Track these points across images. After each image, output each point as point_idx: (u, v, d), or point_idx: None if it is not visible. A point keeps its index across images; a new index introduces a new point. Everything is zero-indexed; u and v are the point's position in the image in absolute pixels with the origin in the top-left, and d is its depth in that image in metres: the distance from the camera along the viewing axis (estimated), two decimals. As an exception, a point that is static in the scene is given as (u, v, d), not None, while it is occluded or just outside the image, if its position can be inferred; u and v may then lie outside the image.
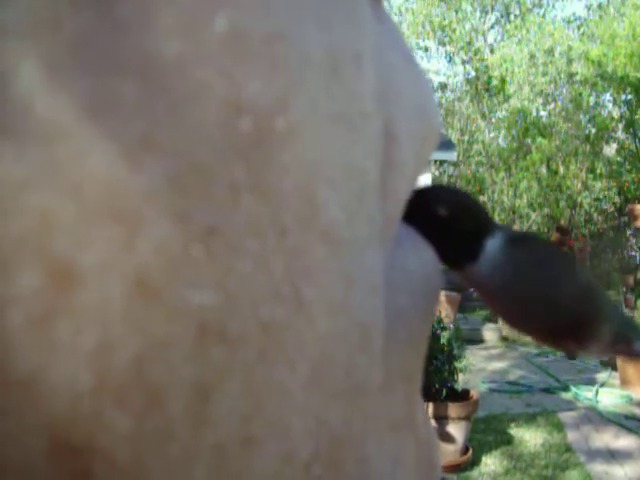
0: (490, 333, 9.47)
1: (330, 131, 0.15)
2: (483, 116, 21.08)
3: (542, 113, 19.99)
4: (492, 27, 24.62)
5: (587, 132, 18.67)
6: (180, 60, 0.12)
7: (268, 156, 0.13)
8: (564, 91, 19.43)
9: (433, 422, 4.25)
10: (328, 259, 0.15)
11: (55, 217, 0.11)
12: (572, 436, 5.24)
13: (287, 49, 0.14)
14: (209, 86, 0.12)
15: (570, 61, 19.67)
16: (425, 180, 11.88)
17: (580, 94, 18.90)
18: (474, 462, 4.55)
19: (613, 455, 4.83)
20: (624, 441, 5.14)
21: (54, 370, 0.11)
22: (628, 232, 18.67)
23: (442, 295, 10.58)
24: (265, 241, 0.13)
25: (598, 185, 18.81)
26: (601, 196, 19.09)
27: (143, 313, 0.12)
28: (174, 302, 0.12)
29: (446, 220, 0.27)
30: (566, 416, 5.73)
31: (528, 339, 9.99)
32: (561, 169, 18.10)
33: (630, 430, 5.35)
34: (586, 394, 6.36)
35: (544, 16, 23.44)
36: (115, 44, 0.12)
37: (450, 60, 24.29)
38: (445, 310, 6.46)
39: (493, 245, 0.29)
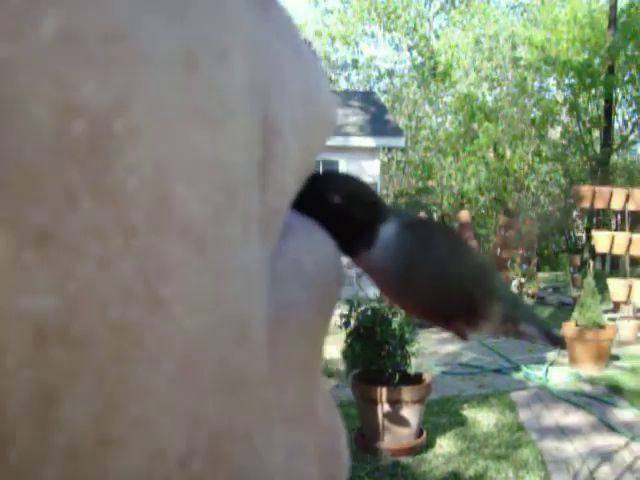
0: (442, 317, 9.54)
1: (186, 127, 0.15)
2: (430, 102, 21.24)
3: (488, 98, 20.22)
4: (437, 13, 24.78)
5: (532, 116, 18.95)
6: (5, 63, 0.12)
7: (108, 158, 0.13)
8: (509, 76, 19.67)
9: (387, 406, 4.27)
10: (189, 257, 0.15)
11: None
12: (524, 415, 5.33)
13: (126, 49, 0.13)
14: (38, 89, 0.12)
15: (514, 46, 19.93)
16: (373, 167, 11.93)
17: (525, 79, 19.17)
18: (428, 444, 4.59)
19: (563, 431, 4.93)
20: (573, 417, 5.25)
21: None
22: (574, 213, 19.06)
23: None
24: (109, 243, 0.13)
25: (544, 168, 19.15)
26: (547, 179, 19.43)
27: None
28: (7, 306, 0.12)
29: (339, 208, 0.27)
30: (518, 396, 5.83)
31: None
32: (508, 153, 18.35)
33: (579, 407, 5.46)
34: (536, 373, 6.48)
35: (488, 2, 23.66)
36: None
37: (396, 47, 24.39)
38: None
39: (387, 231, 0.29)
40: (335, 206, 0.27)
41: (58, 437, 0.13)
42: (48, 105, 0.12)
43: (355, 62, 25.02)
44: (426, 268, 0.30)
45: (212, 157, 0.15)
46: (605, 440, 4.73)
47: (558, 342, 0.40)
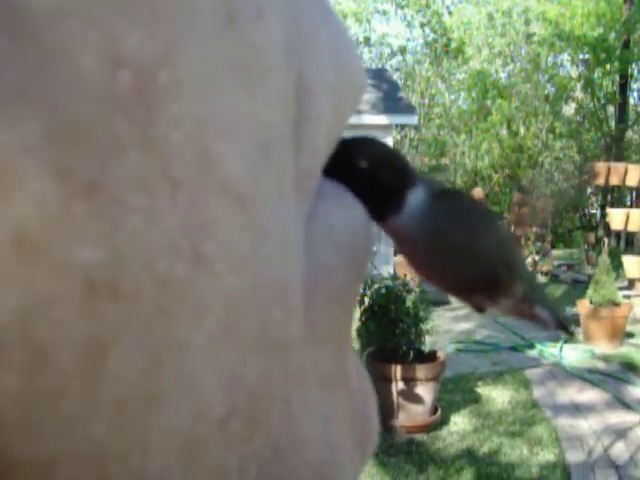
0: (456, 295, 9.51)
1: (226, 83, 0.15)
2: (443, 79, 21.09)
3: (501, 74, 20.05)
4: (450, -11, 24.51)
5: (546, 92, 18.77)
6: (52, 12, 0.12)
7: (153, 110, 0.13)
8: (522, 52, 19.48)
9: (401, 384, 4.29)
10: (230, 213, 0.15)
11: None
12: (538, 392, 5.34)
13: (170, 1, 0.13)
14: (84, 39, 0.12)
15: (528, 22, 19.70)
16: (387, 144, 11.82)
17: (538, 54, 18.97)
18: (443, 422, 4.62)
19: (577, 408, 4.94)
20: (588, 395, 5.26)
21: None
22: (588, 190, 18.95)
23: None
24: (156, 196, 0.13)
25: (558, 144, 18.99)
26: (561, 155, 19.28)
27: (25, 270, 0.12)
28: (57, 258, 0.12)
29: (367, 172, 0.27)
30: (532, 373, 5.84)
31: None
32: (521, 130, 18.23)
33: (593, 384, 5.46)
34: (551, 351, 6.48)
35: (501, -24, 23.39)
36: None
37: (409, 24, 24.17)
38: (410, 273, 6.48)
39: (415, 197, 0.29)
40: (363, 171, 0.27)
41: (107, 390, 0.13)
42: (95, 56, 0.12)
43: (367, 39, 24.87)
44: (453, 238, 0.30)
45: (250, 114, 0.15)
46: (619, 417, 4.74)
47: (568, 331, 0.40)
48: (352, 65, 0.22)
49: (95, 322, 0.13)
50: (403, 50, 23.63)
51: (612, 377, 5.67)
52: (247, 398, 0.16)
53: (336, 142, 0.22)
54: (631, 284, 9.54)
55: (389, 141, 11.66)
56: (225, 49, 0.15)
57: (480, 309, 0.34)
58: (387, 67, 21.07)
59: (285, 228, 0.17)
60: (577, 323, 7.04)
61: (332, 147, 0.21)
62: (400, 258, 11.16)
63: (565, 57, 20.21)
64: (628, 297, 8.30)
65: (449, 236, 0.30)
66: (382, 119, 11.52)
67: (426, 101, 20.50)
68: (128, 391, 0.13)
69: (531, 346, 6.70)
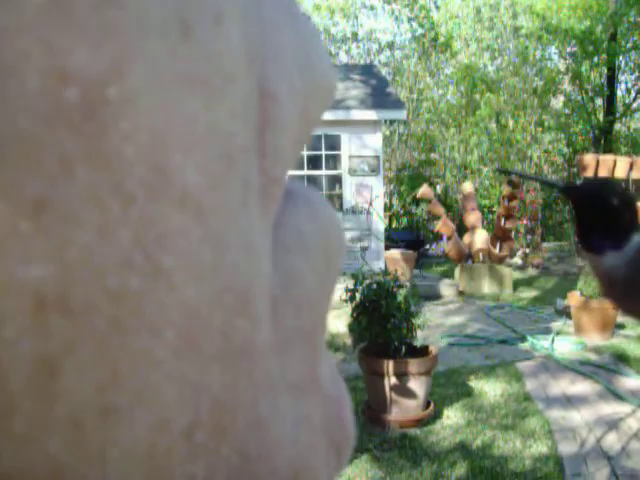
0: (447, 288, 9.57)
1: (181, 95, 0.14)
2: (431, 73, 21.10)
3: (489, 68, 20.08)
4: (437, -17, 24.51)
5: (534, 85, 18.82)
6: None
7: (103, 126, 0.13)
8: (510, 45, 19.51)
9: (394, 379, 4.29)
10: (188, 225, 0.15)
11: None
12: (530, 385, 5.36)
13: (119, 15, 0.13)
14: (28, 56, 0.12)
15: (515, 15, 19.74)
16: (376, 140, 11.87)
17: (526, 48, 19.01)
18: (436, 416, 4.62)
19: (570, 400, 4.96)
20: (580, 386, 5.28)
21: None
22: (578, 182, 19.02)
23: (398, 253, 10.63)
24: (106, 211, 0.13)
25: (547, 137, 19.03)
26: (550, 148, 19.33)
27: None
28: (4, 276, 0.12)
29: (614, 210, 0.32)
30: (524, 366, 5.86)
31: (484, 293, 10.16)
32: (510, 123, 18.26)
33: (585, 375, 5.49)
34: (542, 343, 6.50)
35: (488, -30, 23.40)
36: None
37: (396, 19, 24.17)
38: (401, 268, 6.49)
39: (635, 241, 0.33)
40: (613, 207, 0.31)
41: (61, 407, 0.13)
42: (39, 72, 0.12)
43: (355, 35, 24.86)
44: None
45: (209, 125, 0.15)
46: (612, 408, 4.76)
47: None
48: (321, 66, 0.22)
49: (46, 339, 0.12)
50: (391, 45, 23.64)
51: (604, 368, 5.70)
52: (211, 408, 0.16)
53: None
54: (621, 275, 9.57)
55: (378, 137, 11.67)
56: (181, 61, 0.14)
57: None
58: (375, 62, 21.06)
59: (248, 237, 0.17)
60: (568, 315, 7.07)
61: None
62: (390, 253, 11.18)
63: (553, 50, 20.26)
64: (618, 288, 8.34)
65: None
66: (371, 114, 11.52)
67: (414, 96, 20.52)
68: (84, 406, 0.13)
69: (523, 339, 6.72)
